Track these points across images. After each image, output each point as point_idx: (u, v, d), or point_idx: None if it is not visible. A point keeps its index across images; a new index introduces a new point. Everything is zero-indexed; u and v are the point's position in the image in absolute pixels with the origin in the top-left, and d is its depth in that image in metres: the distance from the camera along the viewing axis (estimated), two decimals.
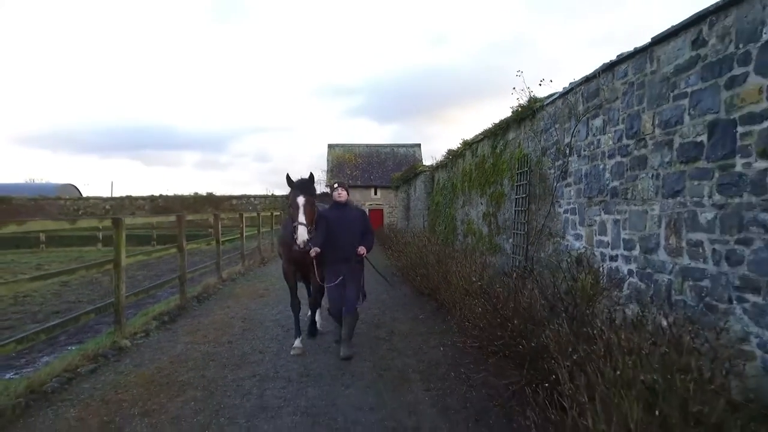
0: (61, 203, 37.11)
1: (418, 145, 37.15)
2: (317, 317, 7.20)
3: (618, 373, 2.52)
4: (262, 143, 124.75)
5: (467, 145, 12.12)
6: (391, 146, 37.72)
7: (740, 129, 3.50)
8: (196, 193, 37.45)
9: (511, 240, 8.53)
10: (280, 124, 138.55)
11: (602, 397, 2.53)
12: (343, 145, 37.40)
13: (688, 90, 4.06)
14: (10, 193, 36.99)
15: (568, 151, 6.36)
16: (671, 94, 4.27)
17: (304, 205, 5.67)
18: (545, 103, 7.24)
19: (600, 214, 5.50)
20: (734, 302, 3.53)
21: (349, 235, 5.94)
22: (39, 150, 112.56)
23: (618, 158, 5.13)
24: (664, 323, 3.30)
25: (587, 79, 5.76)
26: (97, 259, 12.16)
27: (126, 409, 4.54)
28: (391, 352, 6.32)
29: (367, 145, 37.75)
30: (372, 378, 5.38)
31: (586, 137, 5.87)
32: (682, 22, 4.08)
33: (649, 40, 4.52)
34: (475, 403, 4.63)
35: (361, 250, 5.96)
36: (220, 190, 40.08)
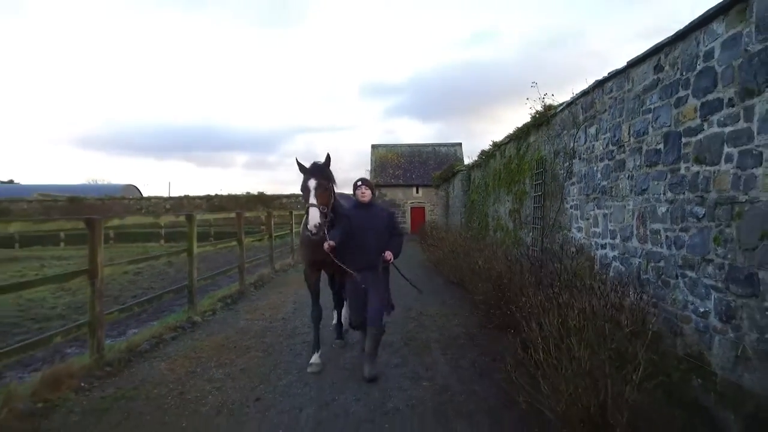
0: (125, 203, 39.89)
1: (459, 144, 37.97)
2: (343, 314, 6.77)
3: (560, 321, 3.53)
4: (309, 143, 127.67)
5: (497, 146, 13.04)
6: (433, 145, 38.69)
7: (684, 140, 4.40)
8: (248, 193, 39.58)
9: (530, 233, 9.45)
10: (326, 123, 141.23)
11: (548, 338, 3.55)
12: (385, 146, 38.65)
13: (651, 107, 4.96)
14: (80, 194, 40.11)
15: (572, 154, 7.27)
16: (641, 109, 5.18)
17: (316, 188, 5.00)
18: (557, 111, 8.15)
19: (594, 209, 6.41)
20: (678, 278, 4.44)
21: (373, 239, 5.21)
22: (97, 152, 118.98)
23: (606, 161, 6.04)
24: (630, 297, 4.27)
25: (585, 93, 6.68)
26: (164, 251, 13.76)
27: (204, 363, 5.83)
28: (417, 327, 7.43)
29: (409, 145, 38.85)
30: (399, 346, 6.49)
31: (585, 142, 6.78)
32: (647, 50, 4.99)
33: (625, 63, 5.43)
34: (482, 364, 5.67)
35: (388, 255, 5.13)
36: (269, 190, 41.96)
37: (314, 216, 4.92)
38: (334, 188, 5.37)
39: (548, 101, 8.65)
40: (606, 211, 6.04)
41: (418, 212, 34.82)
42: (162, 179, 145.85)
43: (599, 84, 6.22)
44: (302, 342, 6.67)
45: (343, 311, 6.77)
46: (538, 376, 3.75)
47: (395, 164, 36.53)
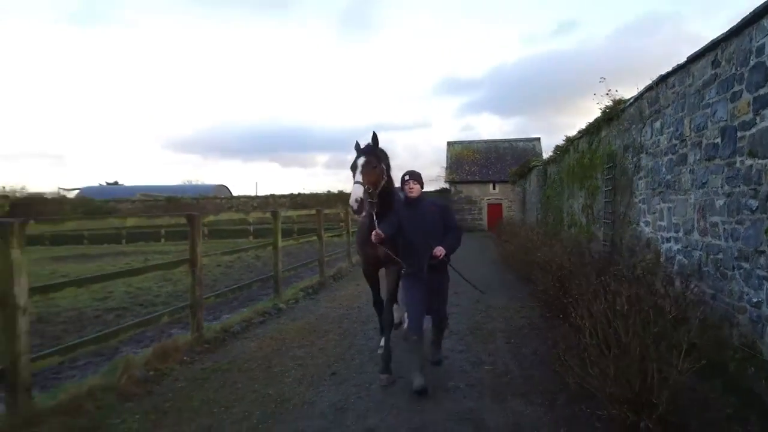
0: (217, 201, 42.64)
1: (538, 139, 37.32)
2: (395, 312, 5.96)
3: (606, 307, 3.81)
4: (387, 141, 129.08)
5: (570, 141, 12.99)
6: (510, 141, 38.29)
7: (739, 134, 4.49)
8: (329, 191, 41.13)
9: (602, 228, 9.48)
10: (404, 121, 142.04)
11: (594, 322, 3.84)
12: (461, 142, 38.72)
13: (710, 101, 5.04)
14: (177, 194, 43.35)
15: (640, 149, 7.31)
16: (700, 104, 5.25)
17: (363, 166, 4.80)
18: (626, 105, 8.17)
19: (659, 203, 6.47)
20: (734, 269, 4.53)
21: (423, 238, 4.68)
22: (192, 154, 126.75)
23: (669, 155, 6.10)
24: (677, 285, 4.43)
25: (649, 88, 6.72)
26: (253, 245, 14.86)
27: (287, 343, 6.52)
28: (484, 318, 7.77)
29: (485, 141, 38.70)
30: (465, 334, 6.88)
31: (651, 137, 6.82)
32: (705, 46, 5.06)
33: (686, 59, 5.50)
34: (543, 352, 5.95)
35: (438, 250, 4.59)
36: (348, 188, 43.28)
37: (356, 191, 4.64)
38: (386, 170, 5.07)
39: (617, 96, 8.65)
40: (670, 205, 6.11)
41: (494, 209, 34.64)
42: (249, 179, 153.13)
43: (663, 79, 6.28)
44: (374, 328, 7.22)
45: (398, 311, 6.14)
46: (586, 359, 4.03)
47: (471, 161, 36.52)
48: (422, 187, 5.05)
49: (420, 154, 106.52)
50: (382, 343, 5.39)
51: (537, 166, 20.37)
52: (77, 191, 47.76)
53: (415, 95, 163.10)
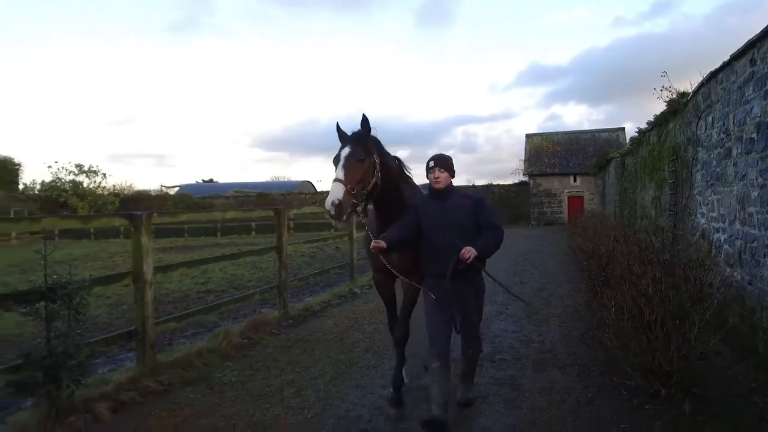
0: (302, 197, 44.87)
1: (622, 129, 36.05)
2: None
3: (629, 287, 4.33)
4: (468, 134, 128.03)
5: (642, 133, 12.96)
6: (592, 132, 37.29)
7: None
8: None
9: (667, 220, 9.61)
10: (485, 113, 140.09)
11: (621, 302, 4.37)
12: (541, 134, 38.23)
13: (749, 98, 5.30)
14: (266, 190, 46.08)
15: (697, 142, 7.51)
16: (741, 100, 5.51)
17: (347, 158, 3.71)
18: (688, 99, 8.32)
19: (711, 195, 6.69)
20: (766, 257, 4.84)
21: (452, 238, 3.71)
22: (279, 152, 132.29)
23: (719, 149, 6.34)
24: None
25: (702, 84, 6.93)
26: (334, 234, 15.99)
27: (359, 321, 7.41)
28: (543, 304, 8.29)
29: (565, 133, 37.94)
30: (520, 317, 7.46)
31: (705, 131, 7.03)
32: (744, 45, 5.33)
33: (729, 56, 5.75)
34: (592, 334, 6.43)
35: (466, 251, 3.58)
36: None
37: (334, 191, 3.54)
38: (382, 163, 3.94)
39: (681, 89, 8.77)
40: (719, 197, 6.35)
41: (575, 201, 33.99)
42: (332, 176, 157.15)
43: (713, 75, 6.50)
44: None
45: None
46: (614, 335, 4.56)
47: (551, 153, 35.98)
48: (453, 176, 4.05)
49: (502, 147, 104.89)
50: (404, 374, 4.60)
51: (615, 158, 20.07)
52: (177, 188, 51.87)
53: (497, 86, 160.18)
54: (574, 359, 5.45)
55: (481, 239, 3.77)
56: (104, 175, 44.31)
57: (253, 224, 34.74)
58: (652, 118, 11.22)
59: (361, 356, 5.80)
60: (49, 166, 48.97)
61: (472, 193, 4.29)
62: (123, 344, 5.79)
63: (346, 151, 3.77)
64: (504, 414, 4.20)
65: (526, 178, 36.88)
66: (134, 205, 38.74)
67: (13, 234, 33.90)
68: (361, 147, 3.81)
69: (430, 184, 4.05)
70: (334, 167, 3.79)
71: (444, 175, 3.98)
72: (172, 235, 33.23)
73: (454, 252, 3.65)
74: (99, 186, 43.71)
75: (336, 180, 3.65)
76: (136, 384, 4.85)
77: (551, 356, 5.64)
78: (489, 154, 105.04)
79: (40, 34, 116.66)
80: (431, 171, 3.99)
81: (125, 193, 45.89)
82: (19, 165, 47.96)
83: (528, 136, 38.13)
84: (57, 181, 42.21)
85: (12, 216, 30.05)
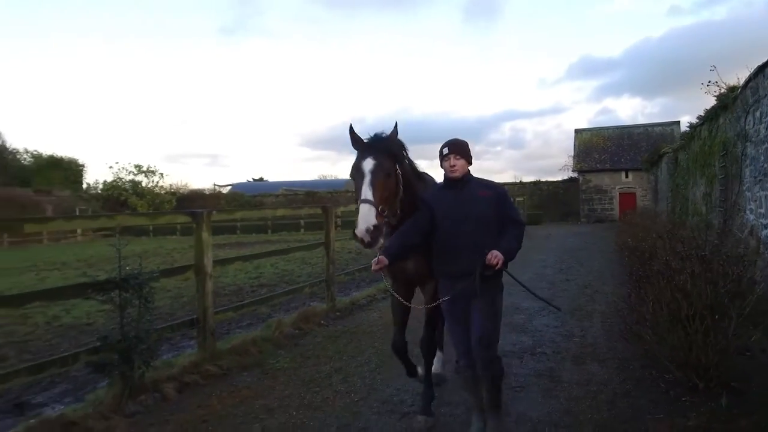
0: (348, 195, 45.52)
1: (677, 123, 34.79)
2: (436, 364, 4.57)
3: (665, 282, 4.42)
4: (516, 129, 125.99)
5: (693, 128, 12.67)
6: (645, 126, 36.18)
7: None
8: None
9: (717, 217, 9.43)
10: (533, 108, 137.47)
11: (658, 297, 4.47)
12: (590, 129, 37.41)
13: None
14: (314, 188, 47.05)
15: (746, 137, 7.39)
16: None
17: (373, 173, 3.27)
18: (737, 94, 8.16)
19: (759, 191, 6.60)
20: None
21: (470, 232, 3.38)
22: (326, 151, 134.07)
23: (766, 144, 6.25)
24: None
25: (750, 78, 6.82)
26: None
27: None
28: (587, 301, 8.34)
29: (617, 127, 36.98)
30: (564, 313, 7.54)
31: (753, 126, 6.92)
32: None
33: None
34: (634, 329, 6.47)
35: (493, 256, 3.22)
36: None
37: (364, 216, 3.12)
38: (402, 173, 3.54)
39: (731, 83, 8.60)
40: (767, 193, 6.27)
41: (627, 198, 33.13)
42: None
43: (760, 69, 6.41)
44: None
45: (436, 361, 4.57)
46: (651, 329, 4.66)
47: (601, 148, 35.17)
48: (470, 163, 3.61)
49: (551, 142, 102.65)
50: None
51: (667, 153, 19.55)
52: (229, 187, 53.58)
53: (546, 80, 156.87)
54: (614, 353, 5.54)
55: (504, 239, 3.39)
56: (161, 174, 46.34)
57: (301, 222, 35.61)
58: (703, 113, 10.99)
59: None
60: (111, 167, 51.62)
61: (492, 182, 3.73)
62: (185, 331, 6.26)
63: (371, 163, 3.30)
64: (541, 403, 4.38)
65: (575, 175, 36.19)
66: (189, 204, 40.37)
67: (79, 231, 35.96)
68: (387, 158, 3.38)
69: (444, 173, 3.60)
70: (354, 182, 3.33)
71: (460, 162, 3.53)
72: (226, 232, 34.43)
73: (475, 250, 3.27)
74: (157, 185, 45.69)
75: (365, 201, 3.17)
76: (198, 368, 5.28)
77: (591, 350, 5.75)
78: (537, 149, 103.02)
79: (104, 40, 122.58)
80: (446, 158, 3.53)
81: (181, 192, 47.82)
82: (83, 166, 50.77)
83: (577, 131, 37.39)
84: (118, 180, 44.44)
85: (77, 214, 31.92)
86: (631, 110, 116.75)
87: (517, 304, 8.14)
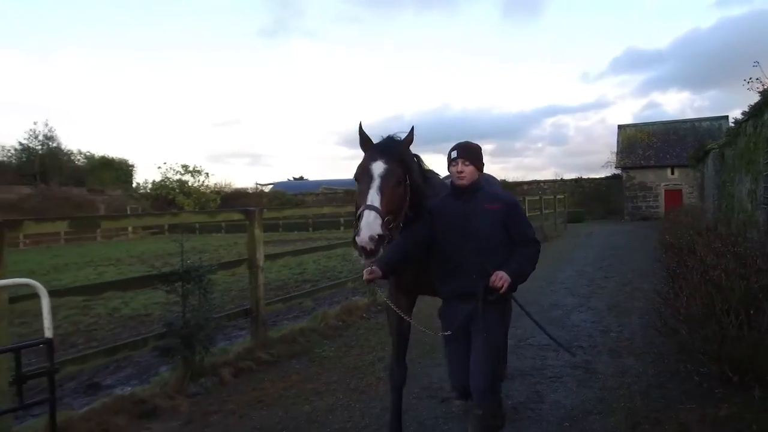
0: None
1: (725, 118, 33.60)
2: None
3: (699, 276, 4.54)
4: (558, 125, 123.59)
5: (739, 124, 12.41)
6: (692, 121, 35.16)
7: None
8: None
9: (762, 214, 9.30)
10: (576, 103, 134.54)
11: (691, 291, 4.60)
12: (635, 125, 36.61)
13: None
14: (352, 187, 47.57)
15: None
16: None
17: (383, 178, 2.89)
18: None
19: None
20: None
21: (473, 250, 3.03)
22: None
23: None
24: None
25: None
26: None
27: None
28: (626, 298, 8.41)
29: (662, 123, 36.07)
30: (602, 310, 7.67)
31: None
32: None
33: None
34: (671, 325, 6.55)
35: (498, 278, 2.88)
36: (514, 177, 43.29)
37: (368, 224, 2.70)
38: (412, 181, 3.11)
39: None
40: None
41: (673, 195, 32.30)
42: None
43: None
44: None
45: None
46: (681, 322, 4.79)
47: (645, 144, 34.38)
48: (481, 169, 3.24)
49: (595, 138, 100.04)
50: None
51: (714, 149, 19.06)
52: (271, 186, 54.81)
53: (589, 74, 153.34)
54: (650, 348, 5.66)
55: (514, 260, 3.00)
56: (206, 174, 47.77)
57: (341, 219, 36.19)
58: (748, 108, 10.78)
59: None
60: (159, 167, 53.70)
61: (503, 193, 3.42)
62: (237, 322, 6.70)
63: (381, 167, 2.92)
64: (575, 392, 4.58)
65: (618, 171, 35.52)
66: (233, 202, 41.58)
67: (130, 229, 37.55)
68: (399, 165, 2.98)
69: (451, 179, 3.23)
70: (359, 184, 2.95)
71: (469, 168, 3.13)
72: (269, 229, 35.35)
73: (480, 270, 2.94)
74: (202, 184, 47.14)
75: (370, 207, 2.76)
76: (251, 354, 5.69)
77: (628, 344, 5.88)
78: (580, 146, 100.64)
79: (149, 44, 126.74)
80: (453, 163, 3.16)
81: (225, 191, 49.20)
82: (133, 166, 52.86)
83: (620, 127, 36.66)
84: (166, 180, 46.08)
85: (128, 212, 33.38)
86: (678, 104, 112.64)
87: (556, 301, 8.30)
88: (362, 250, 2.68)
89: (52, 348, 3.06)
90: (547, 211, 21.01)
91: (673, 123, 35.94)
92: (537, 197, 21.27)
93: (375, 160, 2.96)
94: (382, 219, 2.75)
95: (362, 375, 5.21)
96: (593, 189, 37.47)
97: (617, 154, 35.12)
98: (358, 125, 3.18)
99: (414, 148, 3.28)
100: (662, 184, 33.19)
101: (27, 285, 3.18)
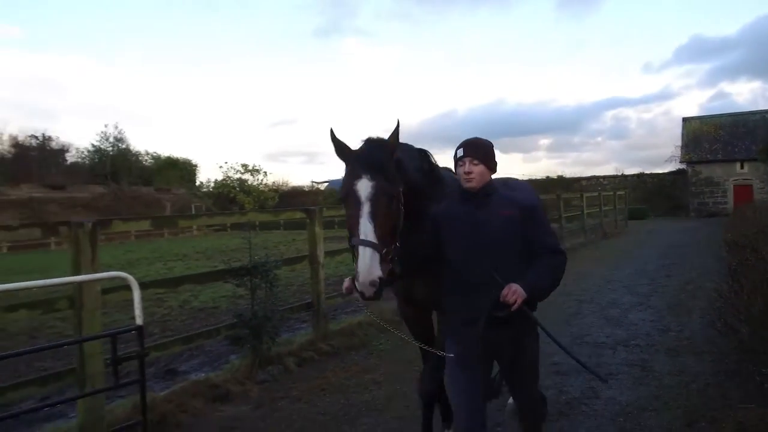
0: None
1: None
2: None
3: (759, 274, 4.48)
4: (619, 119, 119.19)
5: None
6: (762, 113, 33.21)
7: None
8: (547, 177, 40.90)
9: None
10: (638, 94, 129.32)
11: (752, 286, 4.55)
12: (700, 118, 35.02)
13: None
14: None
15: None
16: None
17: (374, 200, 2.45)
18: None
19: None
20: None
21: (485, 265, 2.54)
22: (416, 145, 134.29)
23: None
24: None
25: None
26: None
27: None
28: (688, 297, 8.26)
29: (730, 115, 34.30)
30: (661, 308, 7.57)
31: None
32: None
33: None
34: (733, 325, 6.41)
35: (510, 291, 2.41)
36: (573, 172, 42.33)
37: (369, 265, 2.32)
38: (409, 183, 2.73)
39: None
40: None
41: (743, 191, 30.70)
42: None
43: None
44: (588, 302, 8.31)
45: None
46: (742, 321, 4.72)
47: (712, 138, 32.81)
48: (493, 170, 2.76)
49: (658, 131, 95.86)
50: None
51: None
52: (326, 184, 55.82)
53: (652, 64, 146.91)
54: (710, 347, 5.58)
55: (533, 271, 2.55)
56: (265, 173, 49.22)
57: None
58: None
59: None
60: (221, 166, 55.79)
61: (522, 195, 2.93)
62: (301, 314, 7.05)
63: (368, 188, 2.47)
64: (631, 389, 4.62)
65: (683, 166, 34.09)
66: (290, 200, 42.72)
67: (195, 227, 39.26)
68: (387, 177, 2.53)
69: (459, 182, 2.76)
70: (346, 209, 2.56)
71: (479, 169, 2.66)
72: (326, 227, 36.15)
73: (489, 288, 2.48)
74: (261, 183, 48.59)
75: (365, 244, 2.36)
76: (313, 346, 6.01)
77: (687, 344, 5.82)
78: (642, 139, 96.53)
79: (207, 47, 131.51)
80: (460, 163, 2.70)
81: (282, 189, 50.58)
82: (196, 165, 55.14)
83: (685, 119, 35.15)
84: (227, 179, 47.80)
85: (193, 210, 35.00)
86: (750, 94, 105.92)
87: (614, 299, 8.23)
88: (362, 295, 2.35)
89: (142, 334, 3.42)
90: (606, 208, 20.52)
91: (742, 115, 34.12)
92: (596, 193, 20.79)
93: (359, 177, 2.51)
94: (380, 254, 2.38)
95: (417, 367, 5.35)
96: (656, 185, 36.12)
97: (682, 147, 33.71)
98: (330, 132, 2.70)
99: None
100: (731, 179, 31.63)
101: (119, 278, 3.57)
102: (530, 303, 2.53)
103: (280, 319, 5.75)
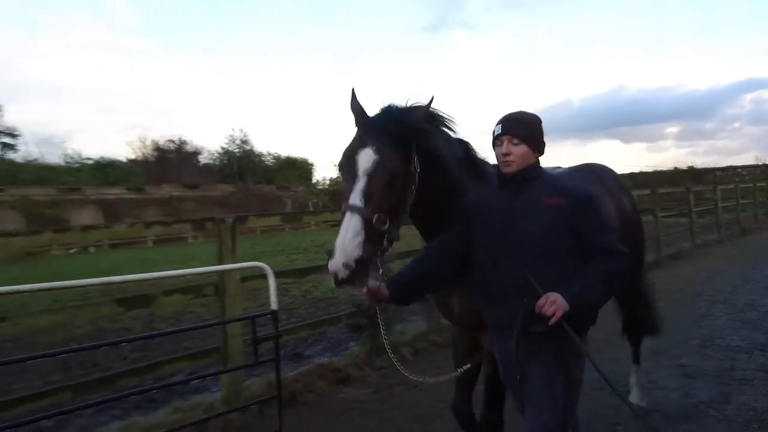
0: None
1: None
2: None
3: None
4: (760, 102, 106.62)
5: None
6: None
7: None
8: (675, 168, 37.69)
9: None
10: None
11: None
12: None
13: None
14: None
15: None
16: None
17: (372, 173, 2.12)
18: None
19: None
20: None
21: (520, 261, 2.15)
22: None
23: None
24: None
25: None
26: None
27: None
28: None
29: None
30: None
31: None
32: None
33: None
34: None
35: (548, 302, 2.00)
36: (705, 162, 38.73)
37: (347, 240, 2.02)
38: (420, 172, 2.28)
39: None
40: None
41: None
42: (584, 159, 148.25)
43: None
44: (710, 300, 7.75)
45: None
46: None
47: None
48: (540, 151, 2.33)
49: None
50: None
51: None
52: None
53: None
54: None
55: (580, 278, 2.11)
56: None
57: None
58: None
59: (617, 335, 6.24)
60: (335, 165, 58.21)
61: (574, 183, 2.44)
62: (414, 306, 7.28)
63: (368, 159, 2.14)
64: (766, 395, 4.31)
65: None
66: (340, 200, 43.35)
67: (313, 222, 41.29)
68: (397, 152, 2.18)
69: (497, 164, 2.35)
70: (343, 176, 2.27)
71: (519, 149, 2.23)
72: None
73: (523, 291, 2.09)
74: None
75: (351, 208, 2.07)
76: (426, 337, 6.24)
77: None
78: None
79: (324, 52, 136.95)
80: (498, 142, 2.28)
81: (332, 188, 51.79)
82: (312, 164, 57.93)
83: None
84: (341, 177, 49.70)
85: (311, 207, 36.81)
86: None
87: (752, 300, 7.59)
88: (334, 277, 2.01)
89: (277, 318, 3.82)
90: (744, 201, 18.65)
91: None
92: (732, 186, 18.96)
93: (363, 146, 2.17)
94: (368, 230, 2.03)
95: None
96: None
97: None
98: (351, 91, 2.35)
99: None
100: None
101: (256, 267, 4.00)
102: (573, 318, 2.04)
103: (395, 310, 6.03)
